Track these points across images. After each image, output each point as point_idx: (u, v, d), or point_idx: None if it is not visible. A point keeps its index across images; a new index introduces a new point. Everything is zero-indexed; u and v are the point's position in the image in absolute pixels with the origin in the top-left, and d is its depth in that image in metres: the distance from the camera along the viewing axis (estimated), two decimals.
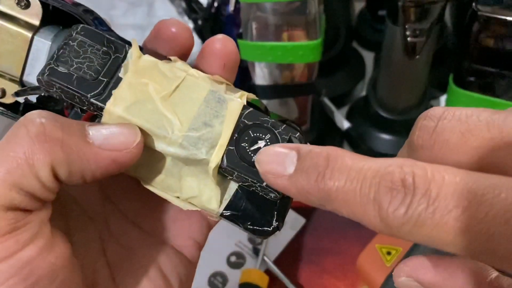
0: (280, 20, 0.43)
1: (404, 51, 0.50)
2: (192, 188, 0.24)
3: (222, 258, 0.53)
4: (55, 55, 0.23)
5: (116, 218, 0.26)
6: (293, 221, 0.56)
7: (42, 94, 0.25)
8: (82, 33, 0.23)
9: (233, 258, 0.53)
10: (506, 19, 0.46)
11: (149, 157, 0.23)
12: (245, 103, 0.23)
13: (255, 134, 0.23)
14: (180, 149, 0.22)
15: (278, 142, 0.23)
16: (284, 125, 0.23)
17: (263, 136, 0.23)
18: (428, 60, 0.52)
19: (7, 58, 0.25)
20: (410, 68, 0.52)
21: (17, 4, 0.24)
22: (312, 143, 0.64)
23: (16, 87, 0.25)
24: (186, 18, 0.61)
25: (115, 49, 0.23)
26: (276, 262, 0.52)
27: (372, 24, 0.74)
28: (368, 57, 0.71)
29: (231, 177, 0.23)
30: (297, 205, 0.57)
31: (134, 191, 0.25)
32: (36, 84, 0.24)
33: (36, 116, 0.20)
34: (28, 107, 0.26)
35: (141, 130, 0.22)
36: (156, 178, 0.24)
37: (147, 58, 0.23)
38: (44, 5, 0.24)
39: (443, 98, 0.62)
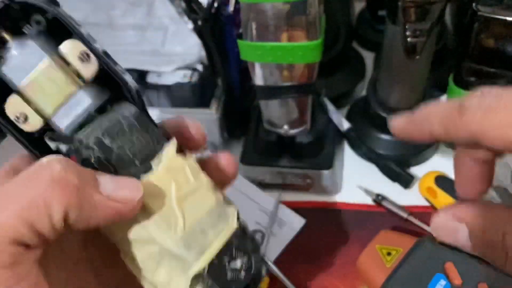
0: (280, 21, 0.43)
1: (404, 51, 0.50)
2: (164, 278, 0.26)
3: None
4: (104, 126, 0.25)
5: (87, 269, 0.28)
6: (293, 222, 0.56)
7: (72, 148, 0.26)
8: (135, 116, 0.26)
9: None
10: (506, 19, 0.46)
11: (141, 239, 0.25)
12: (238, 226, 0.27)
13: (236, 255, 0.26)
14: (174, 246, 0.25)
15: (251, 267, 0.27)
16: (259, 254, 0.27)
17: (242, 258, 0.26)
18: (428, 60, 0.52)
19: (47, 95, 0.26)
20: (410, 68, 0.52)
21: (79, 55, 0.26)
22: (311, 143, 0.63)
23: (39, 121, 0.27)
24: (186, 18, 0.61)
25: (157, 141, 0.26)
26: (276, 262, 0.52)
27: (372, 24, 0.74)
28: (368, 57, 0.71)
29: (203, 284, 0.25)
30: (297, 206, 0.57)
31: (110, 251, 0.27)
32: (61, 127, 0.26)
33: (58, 162, 0.23)
34: (37, 141, 0.27)
35: (149, 214, 0.25)
36: (138, 257, 0.26)
37: (179, 159, 0.26)
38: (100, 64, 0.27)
39: (443, 98, 0.62)
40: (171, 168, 0.25)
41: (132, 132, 0.25)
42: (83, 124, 0.27)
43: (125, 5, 0.65)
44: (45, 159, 0.23)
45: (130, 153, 0.25)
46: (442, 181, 0.55)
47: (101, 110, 0.27)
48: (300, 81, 0.48)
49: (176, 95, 0.58)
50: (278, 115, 0.54)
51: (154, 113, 0.56)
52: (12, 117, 0.26)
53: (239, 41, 0.46)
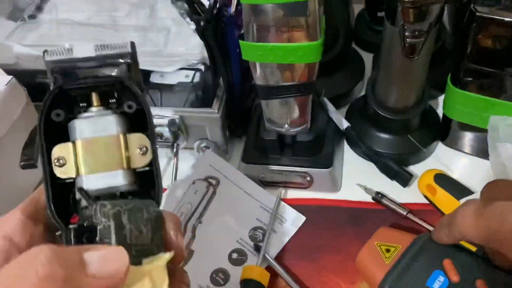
0: (281, 21, 0.43)
1: (403, 52, 0.50)
2: None
3: (224, 255, 0.54)
4: (129, 206, 0.28)
5: None
6: (293, 219, 0.56)
7: (88, 208, 0.29)
8: (156, 216, 0.29)
9: (234, 255, 0.54)
10: (503, 20, 0.47)
11: None
12: None
13: None
14: None
15: None
16: None
17: None
18: (426, 60, 0.53)
19: (93, 158, 0.30)
20: (409, 68, 0.53)
21: (140, 147, 0.31)
22: (311, 142, 0.64)
23: (72, 173, 0.30)
24: (188, 19, 0.61)
25: (157, 246, 0.28)
26: (277, 259, 0.53)
27: (371, 26, 0.75)
28: (367, 57, 0.72)
29: None
30: (297, 203, 0.58)
31: None
32: (85, 187, 0.29)
33: (44, 254, 0.23)
34: (58, 187, 0.30)
35: None
36: None
37: (165, 274, 0.28)
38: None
39: (441, 98, 0.63)
40: (155, 276, 0.27)
41: (146, 226, 0.28)
42: (104, 195, 0.29)
43: (128, 6, 0.65)
44: (32, 251, 0.24)
45: (133, 240, 0.27)
46: (442, 179, 0.55)
47: (123, 195, 0.30)
48: (300, 81, 0.49)
49: (178, 95, 0.59)
50: (278, 114, 0.54)
51: (156, 113, 0.57)
52: (53, 157, 0.29)
53: (241, 42, 0.46)
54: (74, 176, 0.29)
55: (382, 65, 0.56)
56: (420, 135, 0.60)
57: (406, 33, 0.48)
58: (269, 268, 0.52)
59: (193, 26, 0.58)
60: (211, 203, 0.57)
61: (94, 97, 0.31)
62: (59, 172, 0.29)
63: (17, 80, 0.52)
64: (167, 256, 0.28)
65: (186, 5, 0.55)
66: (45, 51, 0.31)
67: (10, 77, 0.52)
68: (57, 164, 0.29)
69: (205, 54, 0.56)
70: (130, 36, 0.63)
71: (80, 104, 0.31)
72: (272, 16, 0.43)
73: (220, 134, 0.60)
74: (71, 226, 0.29)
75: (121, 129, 0.31)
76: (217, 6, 0.51)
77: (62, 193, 0.30)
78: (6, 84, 0.51)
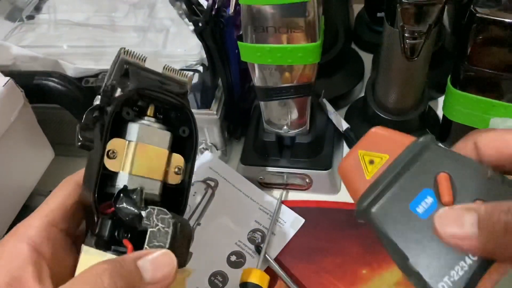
0: (279, 22, 0.43)
1: (403, 53, 0.50)
2: None
3: (223, 258, 0.53)
4: (180, 219, 0.32)
5: None
6: (292, 221, 0.56)
7: (142, 209, 0.31)
8: (191, 231, 0.33)
9: (233, 258, 0.53)
10: (504, 21, 0.47)
11: None
12: None
13: None
14: None
15: None
16: None
17: None
18: (426, 61, 0.53)
19: (142, 162, 0.33)
20: (409, 69, 0.53)
21: (177, 167, 0.36)
22: (311, 143, 0.63)
23: (119, 167, 0.32)
24: (186, 20, 0.61)
25: (185, 260, 0.32)
26: (276, 261, 0.53)
27: (371, 26, 0.75)
28: (367, 58, 0.72)
29: None
30: (296, 205, 0.58)
31: None
32: (123, 184, 0.32)
33: (108, 273, 0.25)
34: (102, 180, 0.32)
35: None
36: None
37: (184, 285, 0.32)
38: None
39: (441, 99, 0.63)
40: (177, 285, 0.30)
41: (185, 240, 0.32)
42: (140, 199, 0.32)
43: (127, 7, 0.65)
44: (93, 270, 0.26)
45: (177, 249, 0.30)
46: None
47: (150, 203, 0.33)
48: (299, 82, 0.49)
49: None
50: (277, 115, 0.54)
51: None
52: (108, 148, 0.31)
53: (239, 43, 0.46)
54: (119, 170, 0.32)
55: (381, 66, 0.56)
56: (419, 136, 0.60)
57: (406, 34, 0.48)
58: (268, 271, 0.52)
59: (192, 26, 0.58)
60: (209, 205, 0.57)
61: (151, 108, 0.35)
62: (109, 164, 0.32)
63: (15, 81, 0.52)
64: (189, 270, 0.32)
65: (184, 6, 0.55)
66: (122, 49, 0.34)
67: (7, 78, 0.51)
68: (110, 155, 0.32)
69: (204, 55, 0.56)
70: (129, 37, 0.62)
71: (134, 108, 0.34)
72: (270, 17, 0.43)
73: (219, 135, 0.60)
74: (108, 218, 0.31)
75: (169, 145, 0.35)
76: (216, 7, 0.51)
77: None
78: (3, 86, 0.51)
